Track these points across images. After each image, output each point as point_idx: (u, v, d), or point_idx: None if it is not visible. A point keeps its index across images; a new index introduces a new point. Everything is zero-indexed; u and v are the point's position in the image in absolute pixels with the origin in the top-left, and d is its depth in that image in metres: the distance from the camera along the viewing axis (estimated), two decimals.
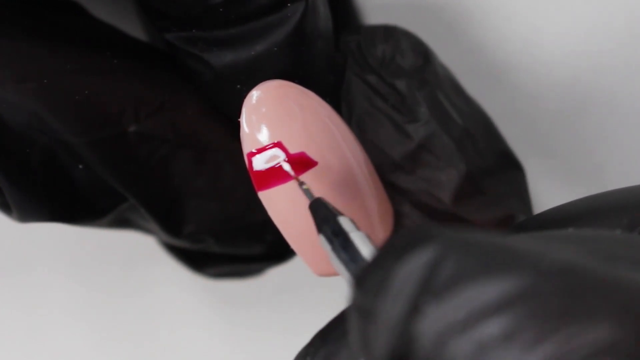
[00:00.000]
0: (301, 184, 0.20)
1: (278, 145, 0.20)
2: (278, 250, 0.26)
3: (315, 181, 0.21)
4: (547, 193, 0.27)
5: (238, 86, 0.21)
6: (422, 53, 0.23)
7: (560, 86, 0.26)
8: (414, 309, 0.12)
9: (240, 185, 0.23)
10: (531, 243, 0.13)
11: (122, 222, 0.24)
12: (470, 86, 0.24)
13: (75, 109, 0.21)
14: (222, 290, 0.33)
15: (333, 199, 0.21)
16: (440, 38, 0.24)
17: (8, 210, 0.22)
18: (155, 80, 0.23)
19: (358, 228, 0.17)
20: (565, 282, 0.11)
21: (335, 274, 0.22)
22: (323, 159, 0.21)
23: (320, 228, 0.18)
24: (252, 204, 0.22)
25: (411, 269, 0.12)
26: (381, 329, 0.12)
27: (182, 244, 0.24)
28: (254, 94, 0.20)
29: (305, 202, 0.19)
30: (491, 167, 0.23)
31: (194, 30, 0.21)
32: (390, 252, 0.13)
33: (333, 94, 0.22)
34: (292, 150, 0.20)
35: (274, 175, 0.20)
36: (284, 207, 0.21)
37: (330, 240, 0.17)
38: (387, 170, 0.22)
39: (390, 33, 0.22)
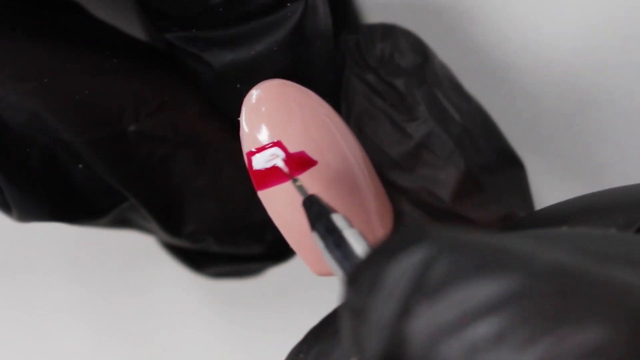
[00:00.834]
0: (295, 180, 0.20)
1: (278, 144, 0.20)
2: (278, 250, 0.26)
3: (315, 180, 0.21)
4: (547, 192, 0.27)
5: (238, 86, 0.21)
6: (421, 52, 0.23)
7: (560, 85, 0.26)
8: (406, 310, 0.12)
9: (240, 184, 0.23)
10: (524, 243, 0.13)
11: (122, 222, 0.24)
12: (471, 85, 0.24)
13: (75, 108, 0.21)
14: (222, 290, 0.33)
15: (332, 198, 0.21)
16: (441, 38, 0.24)
17: (8, 210, 0.22)
18: (155, 80, 0.23)
19: (351, 225, 0.17)
20: (557, 283, 0.11)
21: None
22: (323, 158, 0.21)
23: (313, 225, 0.18)
24: (252, 203, 0.22)
25: (403, 268, 0.12)
26: (373, 328, 0.12)
27: (182, 243, 0.24)
28: (254, 93, 0.20)
29: None
30: (491, 164, 0.23)
31: (193, 30, 0.21)
32: (383, 251, 0.13)
33: (333, 93, 0.22)
34: (292, 149, 0.20)
35: (274, 175, 0.20)
36: (284, 206, 0.21)
37: (323, 238, 0.17)
38: (387, 169, 0.22)
39: (389, 32, 0.22)
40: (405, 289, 0.12)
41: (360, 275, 0.13)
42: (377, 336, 0.12)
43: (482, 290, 0.11)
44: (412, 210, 0.22)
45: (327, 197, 0.21)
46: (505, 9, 0.25)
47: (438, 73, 0.23)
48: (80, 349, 0.34)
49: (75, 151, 0.21)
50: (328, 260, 0.17)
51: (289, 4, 0.20)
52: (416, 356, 0.12)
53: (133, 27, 0.25)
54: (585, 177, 0.28)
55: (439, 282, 0.12)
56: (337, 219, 0.17)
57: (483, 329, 0.11)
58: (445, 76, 0.23)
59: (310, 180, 0.20)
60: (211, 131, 0.23)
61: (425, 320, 0.12)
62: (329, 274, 0.22)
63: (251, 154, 0.20)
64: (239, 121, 0.21)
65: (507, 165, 0.24)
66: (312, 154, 0.20)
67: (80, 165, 0.22)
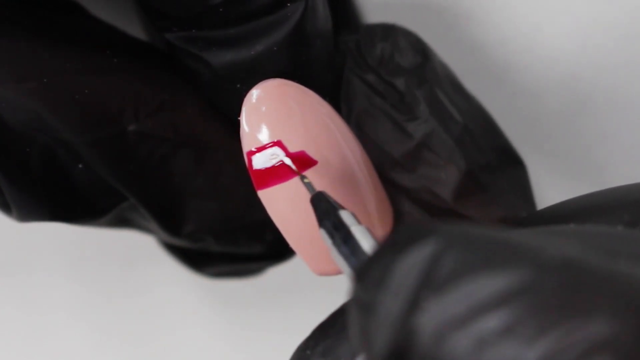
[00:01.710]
0: (303, 177, 0.20)
1: (278, 144, 0.20)
2: (278, 250, 0.26)
3: (315, 180, 0.21)
4: (548, 192, 0.27)
5: (238, 85, 0.21)
6: (421, 51, 0.23)
7: (560, 85, 0.26)
8: (414, 304, 0.12)
9: (240, 184, 0.23)
10: (531, 237, 0.13)
11: (122, 222, 0.24)
12: (471, 85, 0.24)
13: (75, 108, 0.21)
14: (222, 290, 0.33)
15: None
16: (441, 37, 0.24)
17: (8, 210, 0.22)
18: (155, 79, 0.23)
19: (359, 222, 0.17)
20: (565, 277, 0.11)
21: (334, 273, 0.22)
22: (323, 158, 0.21)
23: (321, 222, 0.18)
24: (252, 203, 0.22)
25: (412, 263, 0.12)
26: (381, 323, 0.12)
27: (182, 243, 0.24)
28: (254, 93, 0.20)
29: (304, 201, 0.19)
30: (492, 163, 0.23)
31: (193, 30, 0.21)
32: (391, 246, 0.13)
33: (333, 93, 0.22)
34: (292, 149, 0.20)
35: (274, 174, 0.20)
36: (284, 206, 0.21)
37: (331, 234, 0.17)
38: (387, 168, 0.22)
39: (389, 31, 0.22)
40: (413, 283, 0.12)
41: (368, 271, 0.13)
42: (385, 330, 0.12)
43: (490, 283, 0.11)
44: (413, 209, 0.23)
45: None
46: (505, 8, 0.25)
47: (438, 72, 0.23)
48: (80, 349, 0.34)
49: (75, 151, 0.21)
50: (335, 257, 0.17)
51: (289, 4, 0.20)
52: (425, 350, 0.12)
53: (133, 27, 0.25)
54: (586, 176, 0.28)
55: (447, 276, 0.12)
56: (345, 216, 0.17)
57: (491, 322, 0.11)
58: (445, 75, 0.23)
59: (310, 180, 0.21)
60: (211, 131, 0.23)
61: (434, 314, 0.12)
62: (329, 274, 0.22)
63: (251, 153, 0.20)
64: (239, 121, 0.21)
65: (508, 165, 0.24)
66: (312, 153, 0.20)
67: (80, 165, 0.22)
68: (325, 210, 0.18)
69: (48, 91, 0.20)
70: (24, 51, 0.21)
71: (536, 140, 0.27)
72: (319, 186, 0.20)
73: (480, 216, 0.22)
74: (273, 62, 0.21)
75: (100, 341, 0.34)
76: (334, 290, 0.26)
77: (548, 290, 0.11)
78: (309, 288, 0.32)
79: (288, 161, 0.20)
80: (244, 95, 0.21)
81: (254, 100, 0.20)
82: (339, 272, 0.21)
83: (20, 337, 0.34)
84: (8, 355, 0.34)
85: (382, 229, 0.22)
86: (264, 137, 0.20)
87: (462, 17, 0.25)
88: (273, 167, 0.20)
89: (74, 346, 0.34)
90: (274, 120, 0.20)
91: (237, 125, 0.21)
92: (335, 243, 0.17)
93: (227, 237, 0.24)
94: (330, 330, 0.19)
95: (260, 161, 0.20)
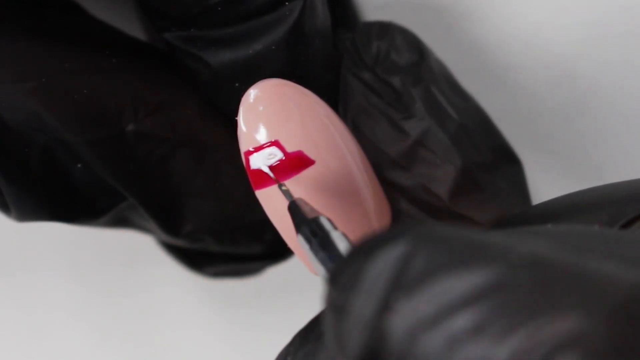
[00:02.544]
0: (280, 185, 0.20)
1: (275, 144, 0.20)
2: (277, 249, 0.26)
3: (312, 180, 0.21)
4: (546, 191, 0.27)
5: (236, 85, 0.21)
6: (417, 49, 0.23)
7: (560, 84, 0.26)
8: (386, 305, 0.12)
9: (239, 184, 0.23)
10: (501, 237, 0.13)
11: (121, 221, 0.24)
12: (470, 85, 0.24)
13: (74, 108, 0.21)
14: (222, 290, 0.33)
15: (330, 197, 0.21)
16: (441, 37, 0.24)
17: (7, 210, 0.22)
18: (154, 79, 0.23)
19: (336, 227, 0.17)
20: (533, 274, 0.11)
21: None
22: (320, 157, 0.21)
23: (298, 228, 0.18)
24: (251, 203, 0.22)
25: (382, 264, 0.12)
26: (354, 325, 0.12)
27: (181, 243, 0.24)
28: (252, 93, 0.20)
29: None
30: (488, 162, 0.23)
31: (192, 30, 0.21)
32: (364, 248, 0.13)
33: (331, 92, 0.22)
34: (290, 148, 0.20)
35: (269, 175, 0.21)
36: (281, 205, 0.21)
37: (308, 240, 0.17)
38: (384, 167, 0.22)
39: (386, 30, 0.22)
40: (384, 285, 0.12)
41: (341, 273, 0.13)
42: (358, 332, 0.12)
43: (460, 283, 0.12)
44: (410, 208, 0.23)
45: (324, 196, 0.21)
46: (504, 8, 0.25)
47: (434, 70, 0.23)
48: (80, 349, 0.34)
49: (74, 151, 0.21)
50: (313, 263, 0.17)
51: (287, 3, 0.20)
52: (397, 350, 0.12)
53: (133, 27, 0.25)
54: (585, 176, 0.28)
55: (417, 277, 0.12)
56: (323, 222, 0.17)
57: (461, 321, 0.11)
58: (441, 74, 0.23)
59: (308, 180, 0.20)
60: (210, 131, 0.23)
61: (405, 315, 0.12)
62: None
63: (249, 153, 0.21)
64: (237, 120, 0.21)
65: (505, 163, 0.24)
66: (309, 153, 0.21)
67: (79, 165, 0.22)
68: (302, 216, 0.18)
69: (47, 91, 0.20)
70: (23, 51, 0.21)
71: (536, 139, 0.27)
72: (316, 186, 0.20)
73: (476, 215, 0.22)
74: (272, 62, 0.21)
75: (100, 341, 0.34)
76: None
77: (516, 288, 0.11)
78: (308, 288, 0.32)
79: (266, 169, 0.20)
80: (242, 95, 0.21)
81: (251, 100, 0.20)
82: None
83: (20, 337, 0.34)
84: (8, 355, 0.34)
85: (380, 228, 0.22)
86: (262, 136, 0.20)
87: (461, 16, 0.25)
88: (270, 167, 0.20)
89: (74, 346, 0.34)
90: (272, 120, 0.20)
91: (236, 124, 0.21)
92: (312, 248, 0.17)
93: (226, 237, 0.25)
94: (309, 336, 0.19)
95: (257, 161, 0.20)
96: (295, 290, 0.32)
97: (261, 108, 0.20)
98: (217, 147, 0.23)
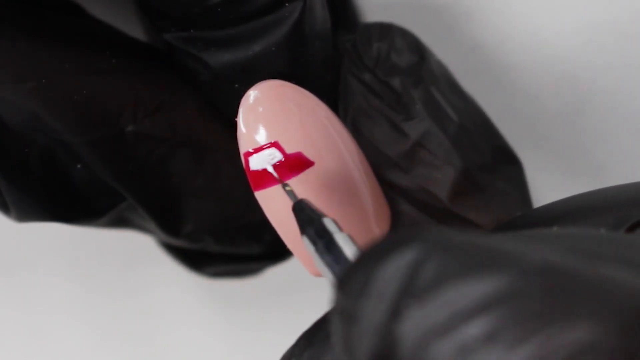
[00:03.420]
0: (284, 185, 0.20)
1: (275, 145, 0.20)
2: (277, 250, 0.26)
3: (312, 181, 0.21)
4: (547, 192, 0.27)
5: (236, 86, 0.21)
6: (418, 50, 0.23)
7: (560, 85, 0.26)
8: (396, 311, 0.12)
9: (239, 184, 0.23)
10: (512, 243, 0.13)
11: (121, 222, 0.24)
12: (471, 85, 0.24)
13: (74, 108, 0.21)
14: (222, 290, 0.33)
15: (329, 199, 0.21)
16: (441, 38, 0.24)
17: (7, 210, 0.22)
18: (154, 80, 0.23)
19: (341, 229, 0.17)
20: (545, 282, 0.11)
21: None
22: (320, 159, 0.21)
23: (303, 229, 0.18)
24: (251, 203, 0.22)
25: (393, 270, 0.12)
26: (363, 331, 0.12)
27: (181, 243, 0.24)
28: (251, 94, 0.20)
29: None
30: (488, 163, 0.23)
31: (192, 30, 0.21)
32: (373, 253, 0.13)
33: (331, 94, 0.22)
34: (289, 150, 0.20)
35: (271, 175, 0.21)
36: (281, 206, 0.21)
37: (313, 242, 0.17)
38: (384, 168, 0.22)
39: (386, 31, 0.22)
40: (395, 291, 0.12)
41: (350, 278, 0.13)
42: (367, 338, 0.12)
43: (472, 290, 0.11)
44: (410, 209, 0.22)
45: (324, 198, 0.21)
46: (504, 9, 0.25)
47: (435, 72, 0.23)
48: (80, 349, 0.34)
49: (74, 151, 0.21)
50: (318, 265, 0.17)
51: (287, 4, 0.20)
52: (407, 357, 0.12)
53: (133, 28, 0.25)
54: (585, 176, 0.28)
55: (429, 283, 0.12)
56: (327, 223, 0.17)
57: (473, 329, 0.11)
58: (442, 75, 0.23)
59: (307, 182, 0.20)
60: (210, 131, 0.23)
61: (416, 322, 0.12)
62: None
63: (248, 154, 0.20)
64: (237, 121, 0.21)
65: (505, 164, 0.24)
66: (309, 154, 0.21)
67: (79, 165, 0.22)
68: (307, 217, 0.18)
69: (47, 91, 0.20)
70: (22, 51, 0.21)
71: (536, 140, 0.27)
72: (315, 187, 0.20)
73: (476, 216, 0.22)
74: (271, 63, 0.21)
75: (100, 341, 0.34)
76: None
77: (529, 296, 0.11)
78: (308, 288, 0.32)
79: (271, 169, 0.20)
80: (242, 96, 0.21)
81: (251, 101, 0.20)
82: None
83: (20, 337, 0.34)
84: (8, 355, 0.34)
85: (380, 230, 0.22)
86: (261, 138, 0.20)
87: (461, 17, 0.25)
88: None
89: (74, 346, 0.34)
90: (271, 121, 0.20)
91: (235, 125, 0.21)
92: (317, 250, 0.17)
93: (226, 237, 0.24)
94: (314, 338, 0.19)
95: (257, 162, 0.20)
96: (294, 290, 0.32)
97: (261, 109, 0.20)
98: (216, 147, 0.23)
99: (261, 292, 0.32)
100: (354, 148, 0.22)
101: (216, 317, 0.34)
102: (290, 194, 0.20)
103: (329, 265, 0.16)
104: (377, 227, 0.22)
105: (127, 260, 0.32)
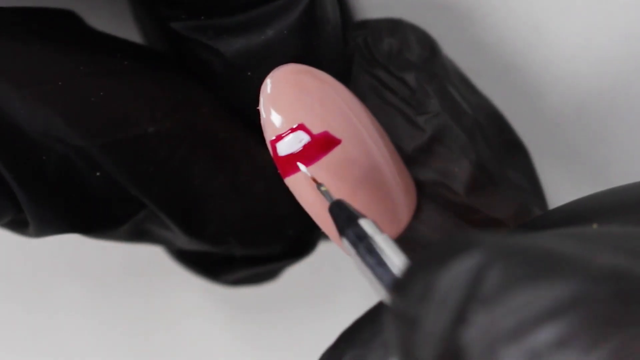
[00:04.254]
0: (319, 186, 0.20)
1: (301, 127, 0.20)
2: (298, 247, 0.26)
3: (341, 159, 0.20)
4: (549, 192, 0.26)
5: (249, 74, 0.21)
6: (429, 45, 0.23)
7: (562, 84, 0.26)
8: (461, 317, 0.12)
9: (259, 179, 0.22)
10: (576, 247, 0.13)
11: (141, 234, 0.24)
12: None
13: (92, 110, 0.20)
14: (223, 291, 0.32)
15: (353, 179, 0.21)
16: (442, 37, 0.24)
17: (24, 227, 0.22)
18: (166, 81, 0.22)
19: (381, 230, 0.17)
20: (615, 287, 0.11)
21: None
22: (346, 135, 0.21)
23: (342, 231, 0.17)
24: (272, 198, 0.22)
25: (456, 276, 0.12)
26: (426, 337, 0.12)
27: (204, 247, 0.24)
28: (269, 81, 0.20)
29: (331, 183, 0.19)
30: (502, 157, 0.23)
31: (202, 18, 0.20)
32: (432, 258, 0.13)
33: (342, 80, 0.22)
34: (315, 131, 0.20)
35: (299, 159, 0.20)
36: (312, 190, 0.20)
37: (354, 244, 0.17)
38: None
39: (396, 26, 0.22)
40: (459, 296, 0.12)
41: (409, 283, 0.13)
42: (431, 345, 0.12)
43: (541, 296, 0.11)
44: (427, 203, 0.22)
45: (348, 178, 0.21)
46: (505, 8, 0.25)
47: (447, 66, 0.23)
48: (80, 350, 0.34)
49: (92, 159, 0.21)
50: (359, 267, 0.17)
51: None
52: None
53: (133, 34, 0.25)
54: (587, 176, 0.28)
55: (495, 289, 0.12)
56: (366, 224, 0.17)
57: (544, 335, 0.11)
58: (453, 70, 0.23)
59: (335, 161, 0.20)
60: (227, 129, 0.23)
61: (483, 328, 0.12)
62: None
63: (275, 141, 0.20)
64: (254, 114, 0.20)
65: (517, 158, 0.24)
66: (335, 133, 0.20)
67: (97, 174, 0.21)
68: (345, 219, 0.18)
69: (64, 94, 0.20)
70: (37, 54, 0.20)
71: (536, 140, 0.27)
72: (339, 169, 0.20)
73: (492, 210, 0.22)
74: (284, 47, 0.21)
75: (99, 341, 0.34)
76: (337, 293, 0.26)
77: (600, 302, 0.11)
78: (312, 290, 0.31)
79: (303, 168, 0.20)
80: (257, 84, 0.20)
81: (270, 88, 0.20)
82: None
83: (20, 337, 0.33)
84: (8, 356, 0.34)
85: (407, 206, 0.22)
86: (286, 123, 0.20)
87: (462, 17, 0.25)
88: (298, 152, 0.20)
89: (74, 346, 0.34)
90: (294, 104, 0.20)
91: (251, 119, 0.21)
92: (359, 253, 0.17)
93: (248, 236, 0.24)
94: (356, 339, 0.19)
95: (285, 147, 0.20)
96: (300, 294, 0.32)
97: (281, 94, 0.20)
98: (233, 144, 0.23)
99: (264, 294, 0.32)
100: (376, 125, 0.22)
101: (216, 317, 0.33)
102: (326, 194, 0.20)
103: (372, 267, 0.16)
104: (404, 204, 0.22)
105: (128, 260, 0.32)
